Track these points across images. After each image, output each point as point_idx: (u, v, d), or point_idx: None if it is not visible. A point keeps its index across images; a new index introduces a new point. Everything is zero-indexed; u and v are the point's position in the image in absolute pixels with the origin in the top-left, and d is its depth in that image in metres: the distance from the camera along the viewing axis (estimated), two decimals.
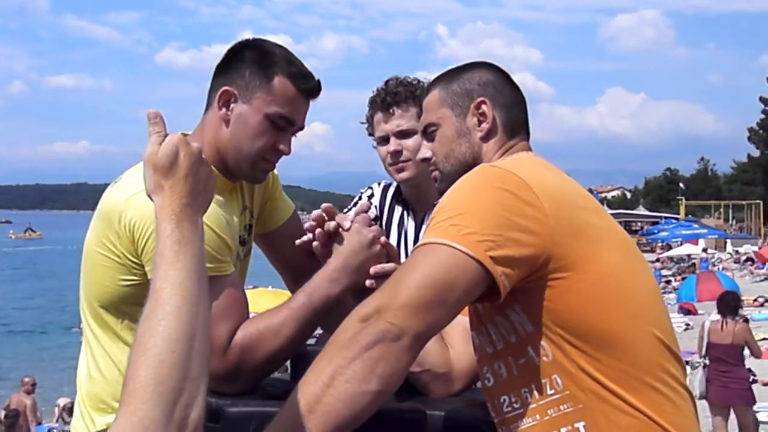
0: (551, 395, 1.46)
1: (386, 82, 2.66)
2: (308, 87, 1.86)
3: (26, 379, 12.54)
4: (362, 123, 2.78)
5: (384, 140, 2.64)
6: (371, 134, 2.74)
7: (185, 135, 1.91)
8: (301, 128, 1.90)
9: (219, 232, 1.70)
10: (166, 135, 1.29)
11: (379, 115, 2.65)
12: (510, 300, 1.45)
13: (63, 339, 23.26)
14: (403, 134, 2.59)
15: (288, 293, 2.18)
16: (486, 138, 1.68)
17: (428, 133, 1.75)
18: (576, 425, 1.44)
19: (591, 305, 1.44)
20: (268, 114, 1.82)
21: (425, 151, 1.75)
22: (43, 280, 41.64)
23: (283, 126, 1.84)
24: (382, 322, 1.34)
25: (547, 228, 1.42)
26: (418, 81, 2.63)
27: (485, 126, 1.67)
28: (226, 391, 1.68)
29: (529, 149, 1.71)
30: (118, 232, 1.70)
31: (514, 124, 1.70)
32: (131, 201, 1.68)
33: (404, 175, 2.64)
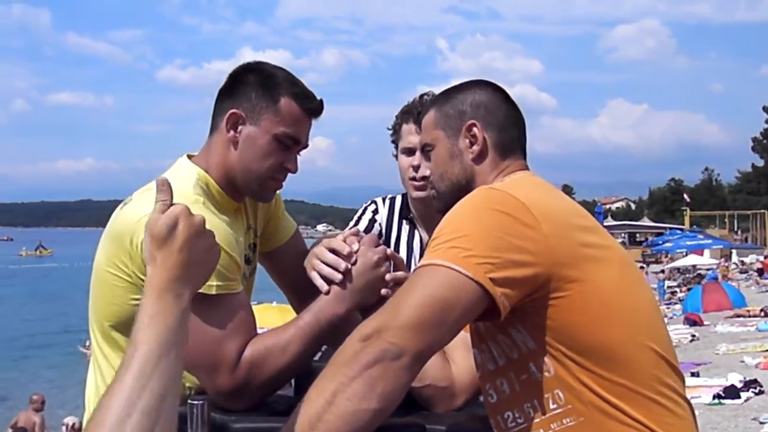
0: (554, 410, 1.48)
1: (422, 96, 2.69)
2: (312, 106, 1.92)
3: (35, 397, 12.53)
4: (388, 129, 2.80)
5: (410, 152, 2.66)
6: (394, 142, 2.76)
7: (191, 156, 1.94)
8: (306, 146, 1.95)
9: (229, 251, 1.73)
10: (171, 204, 1.29)
11: (410, 126, 2.67)
12: (512, 318, 1.47)
13: (71, 358, 23.26)
14: None
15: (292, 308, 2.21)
16: (477, 160, 1.70)
17: (426, 152, 1.79)
18: None
19: (591, 322, 1.46)
20: (276, 134, 1.87)
21: (425, 170, 1.77)
22: (55, 298, 41.61)
23: (290, 145, 1.90)
24: (382, 342, 1.36)
25: (546, 248, 1.44)
26: None
27: (476, 148, 1.69)
28: (233, 407, 1.70)
29: (526, 168, 1.73)
30: (130, 253, 1.72)
31: (507, 144, 1.71)
32: (144, 222, 1.70)
33: (422, 194, 2.65)
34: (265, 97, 1.87)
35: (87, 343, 21.69)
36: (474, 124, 1.69)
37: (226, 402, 1.69)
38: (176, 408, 1.17)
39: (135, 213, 1.73)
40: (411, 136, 2.66)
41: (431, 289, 1.40)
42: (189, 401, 1.56)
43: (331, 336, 1.77)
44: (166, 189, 1.31)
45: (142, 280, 1.73)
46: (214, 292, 1.68)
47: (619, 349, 1.47)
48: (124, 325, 1.79)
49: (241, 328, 1.72)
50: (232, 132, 1.88)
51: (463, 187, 1.67)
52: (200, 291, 1.65)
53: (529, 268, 1.42)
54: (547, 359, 1.47)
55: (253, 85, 1.88)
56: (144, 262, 1.71)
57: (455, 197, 1.62)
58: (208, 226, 1.71)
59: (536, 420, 1.50)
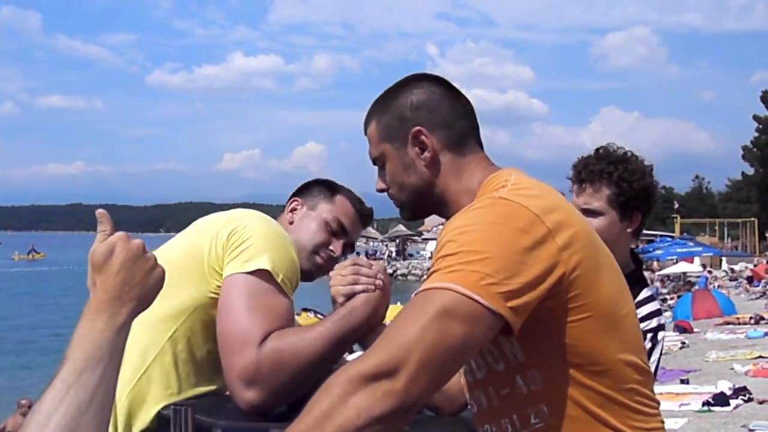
0: (534, 424, 1.45)
1: None
2: (364, 210, 2.23)
3: (23, 401, 12.39)
4: None
5: None
6: None
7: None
8: (352, 246, 2.23)
9: (297, 267, 1.89)
10: (110, 234, 1.34)
11: None
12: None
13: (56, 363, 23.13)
14: None
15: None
16: (431, 165, 1.60)
17: (378, 165, 1.70)
18: None
19: (590, 335, 1.42)
20: (327, 219, 2.17)
21: (380, 183, 1.69)
22: (48, 302, 41.38)
23: (338, 232, 2.17)
24: (398, 389, 1.25)
25: (560, 263, 1.37)
26: None
27: (427, 155, 1.60)
28: (248, 393, 1.70)
29: (487, 158, 1.64)
30: (212, 241, 1.87)
31: (460, 138, 1.61)
32: (233, 222, 1.89)
33: None
34: (325, 193, 2.22)
35: None
36: (420, 131, 1.59)
37: (241, 388, 1.71)
38: (104, 424, 1.20)
39: (227, 214, 1.96)
40: None
41: (450, 325, 1.28)
42: (173, 406, 1.55)
43: (359, 337, 1.81)
44: (105, 220, 1.35)
45: (214, 271, 1.85)
46: (279, 279, 1.81)
47: (611, 360, 1.44)
48: (173, 317, 1.86)
49: (275, 318, 1.78)
50: (290, 215, 2.21)
51: (424, 193, 1.62)
52: (269, 270, 1.80)
53: (541, 287, 1.36)
54: (536, 372, 1.43)
55: (318, 186, 2.25)
56: (222, 254, 1.85)
57: (421, 203, 1.63)
58: (284, 242, 1.86)
59: None
